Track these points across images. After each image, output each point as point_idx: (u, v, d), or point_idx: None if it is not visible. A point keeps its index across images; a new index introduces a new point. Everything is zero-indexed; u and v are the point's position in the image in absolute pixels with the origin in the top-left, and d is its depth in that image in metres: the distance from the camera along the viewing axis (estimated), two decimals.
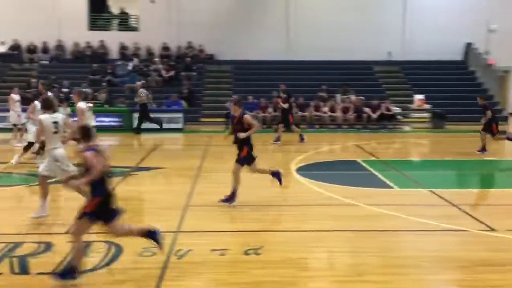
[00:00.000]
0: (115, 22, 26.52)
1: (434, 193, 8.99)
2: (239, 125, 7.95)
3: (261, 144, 14.95)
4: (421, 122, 21.42)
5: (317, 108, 20.43)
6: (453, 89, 22.98)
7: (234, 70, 23.99)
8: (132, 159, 12.47)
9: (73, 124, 8.15)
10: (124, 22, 26.29)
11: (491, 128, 13.08)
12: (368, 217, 7.49)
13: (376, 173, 10.88)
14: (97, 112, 18.73)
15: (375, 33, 24.55)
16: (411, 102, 22.18)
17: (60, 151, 7.22)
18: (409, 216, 7.44)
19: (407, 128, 20.98)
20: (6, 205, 8.14)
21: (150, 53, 24.33)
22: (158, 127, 18.17)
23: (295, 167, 11.40)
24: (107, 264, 5.50)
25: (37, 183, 9.54)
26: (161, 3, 24.17)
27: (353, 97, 21.00)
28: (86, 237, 6.33)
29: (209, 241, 6.27)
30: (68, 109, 18.26)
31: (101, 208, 4.98)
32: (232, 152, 14.39)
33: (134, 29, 25.65)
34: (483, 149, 13.24)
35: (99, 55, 24.13)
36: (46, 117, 7.11)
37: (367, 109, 20.17)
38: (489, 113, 13.05)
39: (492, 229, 6.81)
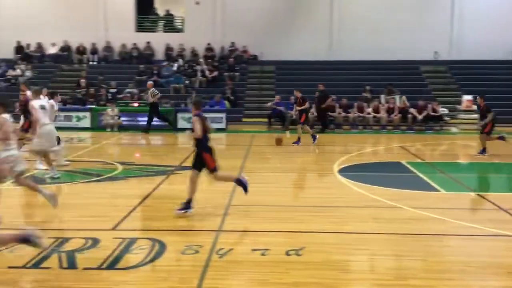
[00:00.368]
0: (161, 23, 27.04)
1: (482, 196, 8.70)
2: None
3: (304, 145, 14.92)
4: (469, 123, 20.79)
5: (360, 109, 20.17)
6: (503, 90, 22.18)
7: (277, 71, 24.01)
8: (176, 158, 12.69)
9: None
10: (170, 24, 26.77)
11: (485, 127, 13.17)
12: (412, 220, 7.34)
13: (421, 175, 10.64)
14: (142, 112, 19.32)
15: (421, 32, 24.03)
16: (459, 103, 21.56)
17: None
18: (455, 220, 7.24)
19: (454, 129, 20.41)
20: None
21: (194, 54, 24.67)
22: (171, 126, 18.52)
23: (338, 168, 11.30)
24: (151, 260, 5.61)
25: (87, 180, 9.87)
26: (206, 5, 24.49)
27: (398, 99, 20.62)
28: (130, 234, 6.52)
29: (250, 240, 6.30)
30: (116, 110, 18.88)
31: None
32: (275, 152, 14.43)
33: (179, 30, 26.08)
34: (483, 151, 13.19)
35: (145, 56, 24.68)
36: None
37: (412, 110, 19.74)
38: (492, 114, 13.12)
39: None
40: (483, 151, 13.21)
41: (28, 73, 23.26)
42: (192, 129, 7.44)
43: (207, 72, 23.05)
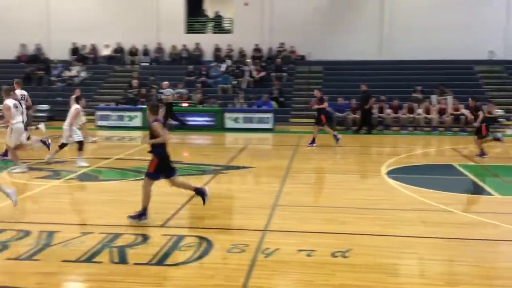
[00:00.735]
0: (210, 25, 27.40)
1: None
2: (151, 133, 7.23)
3: (351, 146, 14.75)
4: None
5: (410, 110, 19.71)
6: None
7: (325, 71, 23.82)
8: (223, 158, 12.84)
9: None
10: (219, 25, 27.08)
11: (481, 130, 13.00)
12: (463, 224, 7.13)
13: (474, 178, 10.31)
14: (191, 112, 19.66)
15: (475, 30, 23.20)
16: None
17: None
18: (509, 225, 6.97)
19: (510, 131, 19.61)
20: (107, 198, 8.71)
21: (242, 55, 24.86)
22: (183, 124, 18.76)
23: (386, 170, 11.11)
24: (198, 258, 5.71)
25: (138, 178, 10.14)
26: (254, 6, 24.62)
27: (450, 99, 20.02)
28: (178, 231, 6.66)
29: (296, 241, 6.30)
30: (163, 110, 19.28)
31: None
32: (322, 153, 14.35)
33: (227, 31, 26.34)
34: (482, 153, 12.94)
35: (194, 57, 25.08)
36: None
37: (465, 111, 19.10)
38: (481, 114, 13.03)
39: None
40: (482, 153, 12.95)
41: (83, 74, 24.11)
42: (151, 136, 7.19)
43: (254, 73, 23.18)
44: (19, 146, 10.86)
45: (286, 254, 5.82)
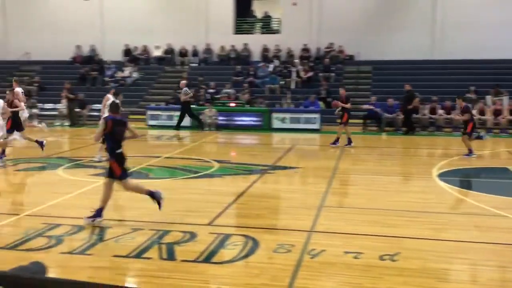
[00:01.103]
0: (258, 25, 27.51)
1: None
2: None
3: (401, 148, 14.45)
4: None
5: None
6: None
7: (374, 71, 23.43)
8: (270, 158, 12.87)
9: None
10: (267, 25, 27.15)
11: (466, 128, 13.12)
12: None
13: None
14: (238, 112, 19.82)
15: None
16: None
17: None
18: None
19: None
20: None
21: (290, 55, 24.82)
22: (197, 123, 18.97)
23: (437, 173, 10.81)
24: (245, 257, 5.75)
25: (186, 176, 10.33)
26: (302, 6, 24.53)
27: (506, 100, 19.25)
28: (225, 230, 6.73)
29: (342, 243, 6.24)
30: (214, 110, 19.54)
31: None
32: (369, 154, 14.13)
33: (276, 31, 26.37)
34: (470, 152, 12.92)
35: (242, 57, 25.26)
36: None
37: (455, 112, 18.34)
38: (468, 115, 13.13)
39: None
40: (470, 153, 12.90)
41: (135, 75, 24.77)
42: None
43: (302, 73, 23.10)
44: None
45: (332, 256, 5.77)
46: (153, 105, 21.51)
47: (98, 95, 22.54)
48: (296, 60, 24.10)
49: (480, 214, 7.61)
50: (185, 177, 10.42)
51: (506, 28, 22.29)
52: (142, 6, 25.91)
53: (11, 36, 27.10)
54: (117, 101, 12.04)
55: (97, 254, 5.84)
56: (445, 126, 19.13)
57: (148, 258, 5.70)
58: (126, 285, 5.07)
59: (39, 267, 2.13)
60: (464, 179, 10.41)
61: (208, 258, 5.72)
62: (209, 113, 19.43)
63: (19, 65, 26.27)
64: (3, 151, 11.62)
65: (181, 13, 25.64)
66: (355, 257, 5.72)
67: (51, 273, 2.25)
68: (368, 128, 19.28)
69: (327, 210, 7.78)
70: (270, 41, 25.36)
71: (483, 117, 18.77)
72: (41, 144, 12.30)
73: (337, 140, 14.74)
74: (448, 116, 19.06)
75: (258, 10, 28.09)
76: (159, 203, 7.14)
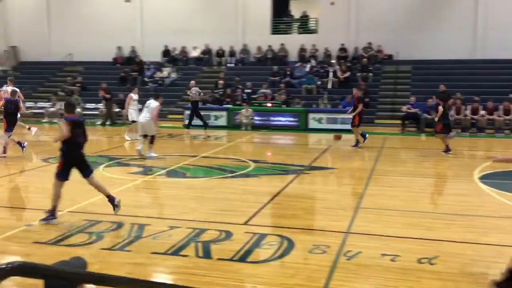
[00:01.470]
0: (296, 25, 27.43)
1: None
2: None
3: (441, 149, 14.11)
4: None
5: (507, 112, 18.49)
6: None
7: (413, 71, 22.98)
8: (306, 158, 12.82)
9: None
10: (304, 25, 27.05)
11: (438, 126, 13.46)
12: None
13: None
14: (275, 112, 19.83)
15: None
16: None
17: None
18: None
19: None
20: (193, 194, 9.02)
21: (327, 55, 24.64)
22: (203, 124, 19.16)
23: (479, 175, 10.52)
24: (280, 257, 5.76)
25: (222, 176, 10.42)
26: (340, 5, 24.30)
27: None
28: (261, 230, 6.75)
29: (379, 245, 6.15)
30: (250, 110, 19.62)
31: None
32: (408, 155, 13.88)
33: (313, 31, 26.23)
34: (447, 149, 13.16)
35: (279, 58, 25.24)
36: None
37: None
38: (440, 109, 13.39)
39: None
40: (447, 149, 13.15)
41: (173, 75, 25.13)
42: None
43: (339, 73, 22.89)
44: None
45: (368, 258, 5.70)
46: (190, 105, 21.74)
47: (138, 95, 23.05)
48: (333, 61, 23.89)
49: None
50: (221, 176, 10.50)
51: None
52: (180, 8, 26.26)
53: (55, 38, 27.96)
54: (158, 103, 12.39)
55: (136, 251, 5.96)
56: (487, 127, 18.58)
57: (185, 256, 5.78)
58: (163, 282, 5.15)
59: (80, 262, 2.20)
60: (507, 182, 10.08)
61: (243, 257, 5.75)
62: (245, 113, 19.52)
63: (63, 66, 27.08)
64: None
65: (218, 14, 25.85)
66: (392, 260, 5.63)
67: (92, 268, 2.32)
68: (406, 129, 18.93)
69: (364, 212, 7.69)
70: (307, 41, 25.24)
71: None
72: (21, 145, 12.49)
73: (357, 143, 14.55)
74: (491, 117, 18.51)
75: (295, 10, 28.02)
76: (114, 206, 7.18)
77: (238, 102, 21.46)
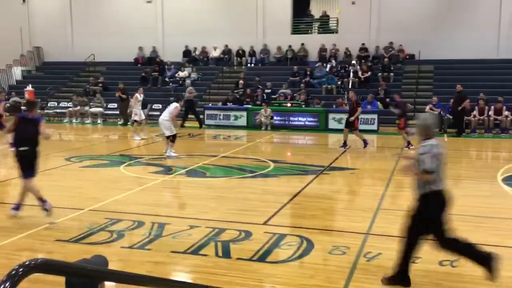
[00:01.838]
0: (316, 25, 27.33)
1: None
2: None
3: (463, 151, 13.95)
4: None
5: None
6: None
7: (435, 70, 22.69)
8: (326, 158, 12.75)
9: None
10: (324, 25, 26.93)
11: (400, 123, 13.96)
12: None
13: None
14: (294, 112, 19.78)
15: None
16: None
17: None
18: None
19: None
20: (213, 194, 9.05)
21: (348, 55, 24.49)
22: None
23: (502, 176, 10.33)
24: (299, 257, 5.74)
25: (242, 176, 10.43)
26: (360, 4, 24.12)
27: None
28: (280, 230, 6.73)
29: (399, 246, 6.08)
30: (269, 110, 19.61)
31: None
32: None
33: (333, 31, 26.09)
34: (408, 144, 13.69)
35: (299, 58, 25.18)
36: None
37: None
38: (400, 110, 14.07)
39: None
40: (408, 144, 13.68)
41: (194, 75, 25.26)
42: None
43: (359, 73, 22.72)
44: None
45: (389, 260, 5.64)
46: (210, 104, 21.87)
47: (158, 95, 23.26)
48: (353, 61, 23.72)
49: None
50: (241, 176, 10.52)
51: None
52: (201, 8, 26.39)
53: (77, 39, 28.36)
54: (177, 105, 12.59)
55: (156, 249, 6.01)
56: (511, 128, 18.24)
57: (204, 255, 5.80)
58: (183, 280, 5.18)
59: (101, 260, 2.22)
60: None
61: (262, 257, 5.75)
62: (264, 113, 19.52)
63: (85, 66, 27.46)
64: None
65: (239, 14, 25.90)
66: (413, 262, 5.57)
67: (112, 267, 2.34)
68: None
69: (384, 213, 7.63)
70: (327, 41, 25.12)
71: None
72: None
73: (366, 143, 14.39)
74: None
75: (315, 10, 27.92)
76: (46, 210, 7.14)
77: (258, 102, 21.47)
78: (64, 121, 21.98)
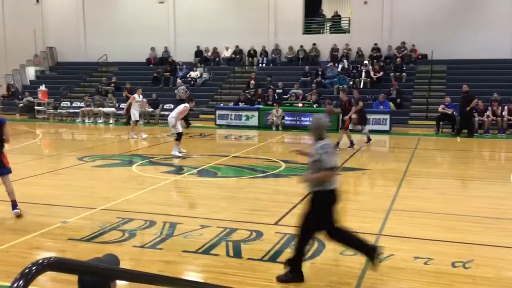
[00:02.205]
0: (328, 25, 27.25)
1: None
2: None
3: (476, 151, 13.82)
4: None
5: None
6: None
7: (448, 70, 22.51)
8: (338, 159, 12.68)
9: None
10: (336, 25, 26.84)
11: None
12: None
13: None
14: (306, 112, 19.73)
15: None
16: None
17: None
18: None
19: None
20: (224, 194, 9.06)
21: (360, 55, 24.38)
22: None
23: None
24: (310, 258, 5.72)
25: (253, 176, 10.42)
26: (373, 4, 24.01)
27: None
28: (291, 230, 6.72)
29: (412, 247, 6.06)
30: (280, 110, 19.60)
31: None
32: (442, 157, 13.60)
33: (345, 31, 26.00)
34: (351, 144, 14.11)
35: (311, 58, 25.12)
36: None
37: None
38: (354, 108, 14.39)
39: None
40: (352, 144, 14.13)
41: (205, 75, 25.33)
42: None
43: (371, 73, 22.61)
44: None
45: (401, 261, 5.62)
46: (221, 104, 21.91)
47: (170, 95, 23.35)
48: (365, 62, 23.61)
49: None
50: (252, 176, 10.52)
51: None
52: (213, 8, 26.45)
53: (90, 39, 28.58)
54: (187, 105, 12.67)
55: (167, 249, 6.03)
56: None
57: (216, 255, 5.82)
58: (194, 280, 5.19)
59: (113, 259, 2.23)
60: None
61: (273, 257, 5.75)
62: (275, 113, 19.50)
63: (98, 66, 27.65)
64: None
65: (250, 14, 25.91)
66: (425, 263, 5.54)
67: (123, 266, 2.36)
68: (442, 130, 18.54)
69: (396, 214, 7.58)
70: (339, 40, 25.04)
71: None
72: None
73: (352, 144, 14.38)
74: None
75: (327, 10, 27.84)
76: (18, 215, 7.30)
77: (269, 102, 21.46)
78: (77, 121, 22.16)
